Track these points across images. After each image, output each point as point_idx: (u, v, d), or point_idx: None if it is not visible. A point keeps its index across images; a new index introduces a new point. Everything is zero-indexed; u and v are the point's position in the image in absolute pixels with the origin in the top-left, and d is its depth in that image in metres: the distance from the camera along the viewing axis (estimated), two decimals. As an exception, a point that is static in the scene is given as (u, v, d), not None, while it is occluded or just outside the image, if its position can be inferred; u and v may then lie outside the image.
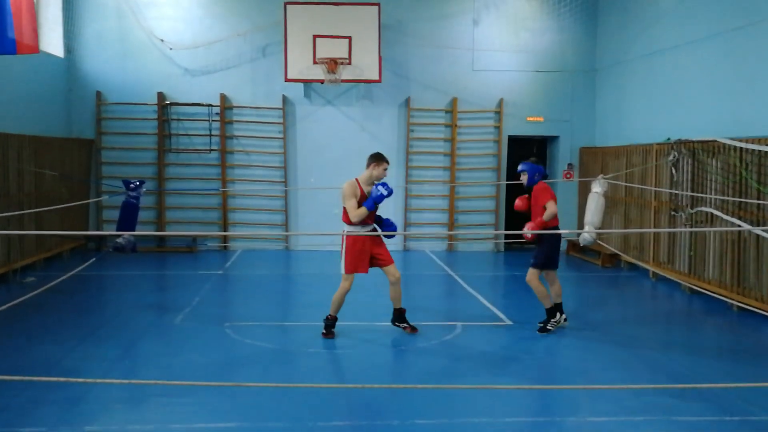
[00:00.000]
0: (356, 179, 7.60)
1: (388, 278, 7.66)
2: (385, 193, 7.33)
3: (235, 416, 5.41)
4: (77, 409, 5.49)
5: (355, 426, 5.28)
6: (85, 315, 8.66)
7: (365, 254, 7.53)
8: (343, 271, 7.57)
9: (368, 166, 7.62)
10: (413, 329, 7.80)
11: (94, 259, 11.60)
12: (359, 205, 7.42)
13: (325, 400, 5.71)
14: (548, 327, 7.82)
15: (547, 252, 7.79)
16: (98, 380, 5.99)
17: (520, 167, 8.02)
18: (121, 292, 10.35)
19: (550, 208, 7.63)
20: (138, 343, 7.49)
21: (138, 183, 9.28)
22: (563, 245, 10.32)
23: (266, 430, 5.19)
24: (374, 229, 7.70)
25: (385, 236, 7.68)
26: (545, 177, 7.95)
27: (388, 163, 7.68)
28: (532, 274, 7.81)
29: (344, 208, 7.51)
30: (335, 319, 7.70)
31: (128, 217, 9.10)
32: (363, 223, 7.51)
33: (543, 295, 7.82)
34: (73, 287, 10.09)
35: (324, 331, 7.68)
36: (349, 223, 7.50)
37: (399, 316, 7.83)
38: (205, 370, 6.59)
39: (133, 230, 9.15)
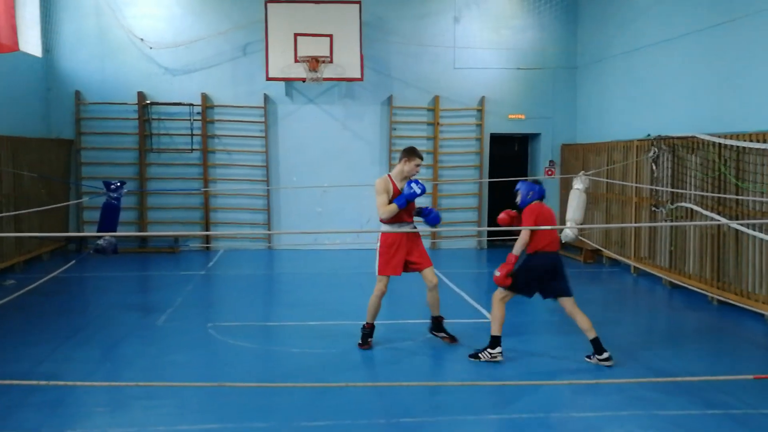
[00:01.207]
0: (388, 175, 7.28)
1: (426, 283, 7.28)
2: (418, 191, 6.93)
3: (218, 417, 5.38)
4: (58, 413, 5.44)
5: (340, 425, 5.27)
6: (66, 317, 8.57)
7: (400, 256, 7.09)
8: (377, 272, 7.19)
9: (400, 160, 7.23)
10: (452, 339, 7.33)
11: (74, 260, 11.50)
12: (390, 201, 7.04)
13: (308, 399, 5.70)
14: (480, 355, 6.76)
15: (520, 275, 6.69)
16: (80, 383, 5.94)
17: (516, 186, 6.98)
18: (102, 293, 10.26)
19: (521, 237, 6.60)
20: (120, 345, 7.43)
21: (119, 183, 9.21)
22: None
23: (250, 430, 5.17)
24: (414, 227, 7.25)
25: (430, 226, 7.39)
26: (542, 198, 6.86)
27: (421, 158, 7.22)
28: (496, 292, 6.80)
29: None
30: (372, 327, 7.23)
31: (109, 218, 9.02)
32: (399, 221, 7.13)
33: (495, 318, 6.76)
34: (53, 289, 9.98)
35: (360, 342, 7.20)
36: (384, 221, 7.12)
37: (437, 324, 7.39)
38: (188, 371, 6.55)
39: (114, 231, 9.07)
